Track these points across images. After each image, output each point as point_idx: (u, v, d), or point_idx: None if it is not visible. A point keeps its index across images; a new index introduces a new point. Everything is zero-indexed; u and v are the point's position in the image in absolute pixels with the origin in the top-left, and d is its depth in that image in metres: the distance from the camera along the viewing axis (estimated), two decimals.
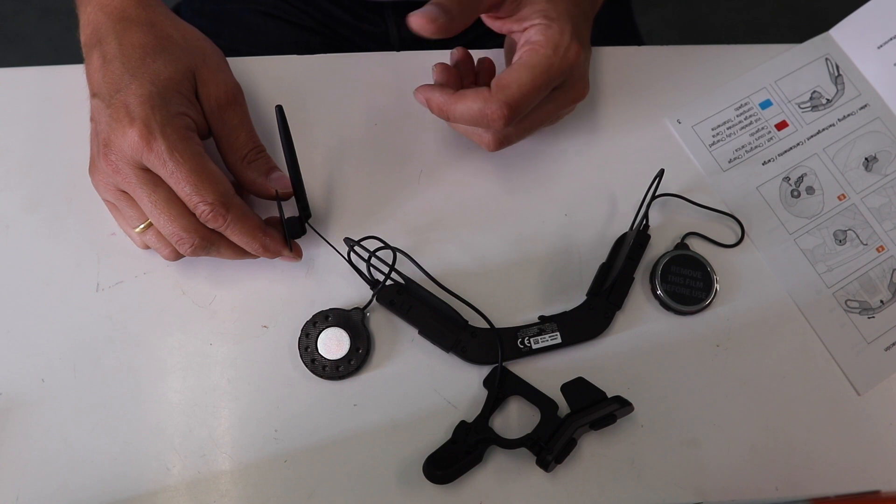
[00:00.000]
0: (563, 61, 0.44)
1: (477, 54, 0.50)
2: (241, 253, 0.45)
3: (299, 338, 0.46)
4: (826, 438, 0.47)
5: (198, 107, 0.45)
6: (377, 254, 0.46)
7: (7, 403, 0.45)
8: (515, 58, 0.45)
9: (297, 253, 0.47)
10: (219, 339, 0.47)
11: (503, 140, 0.46)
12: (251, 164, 0.47)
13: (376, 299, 0.47)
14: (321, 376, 0.46)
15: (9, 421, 0.45)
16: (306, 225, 0.47)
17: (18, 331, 0.47)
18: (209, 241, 0.44)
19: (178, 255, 0.45)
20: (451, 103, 0.45)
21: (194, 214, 0.43)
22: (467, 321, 0.47)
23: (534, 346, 0.47)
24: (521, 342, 0.47)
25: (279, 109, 0.43)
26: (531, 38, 0.44)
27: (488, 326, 0.46)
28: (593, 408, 0.44)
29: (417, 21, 0.42)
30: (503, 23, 0.46)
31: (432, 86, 0.46)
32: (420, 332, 0.47)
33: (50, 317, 0.47)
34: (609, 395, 0.45)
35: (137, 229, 0.44)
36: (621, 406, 0.44)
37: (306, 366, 0.46)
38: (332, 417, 0.46)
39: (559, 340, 0.47)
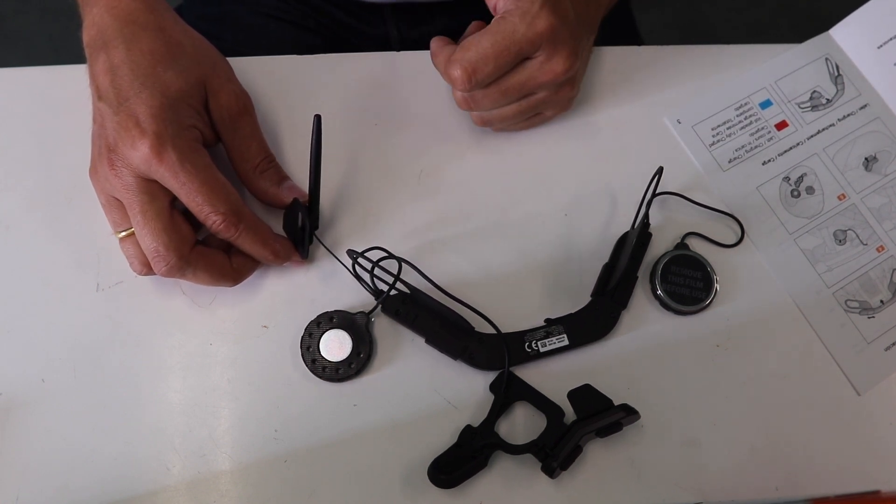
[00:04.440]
0: (529, 29, 0.43)
1: None
2: (216, 279, 0.45)
3: (302, 336, 0.46)
4: (826, 438, 0.47)
5: (206, 118, 0.45)
6: (382, 262, 0.46)
7: (7, 403, 0.45)
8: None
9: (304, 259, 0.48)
10: (219, 339, 0.47)
11: (470, 102, 0.47)
12: (263, 174, 0.47)
13: (381, 310, 0.47)
14: (320, 377, 0.46)
15: (9, 421, 0.45)
16: (313, 236, 0.48)
17: (18, 331, 0.47)
18: (186, 262, 0.43)
19: (148, 271, 0.44)
20: (433, 55, 0.48)
21: (179, 234, 0.42)
22: (473, 327, 0.47)
23: (541, 350, 0.47)
24: (528, 346, 0.47)
25: (317, 119, 0.44)
26: (504, 7, 0.45)
27: (495, 332, 0.46)
28: (600, 415, 0.44)
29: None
30: None
31: (444, 38, 0.49)
32: (427, 341, 0.47)
33: (50, 317, 0.47)
34: (609, 397, 0.45)
35: (120, 234, 0.44)
36: (628, 414, 0.44)
37: (306, 366, 0.46)
38: (333, 418, 0.46)
39: (566, 343, 0.47)
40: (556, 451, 0.43)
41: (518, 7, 0.44)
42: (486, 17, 0.47)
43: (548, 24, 0.43)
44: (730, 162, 0.53)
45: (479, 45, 0.44)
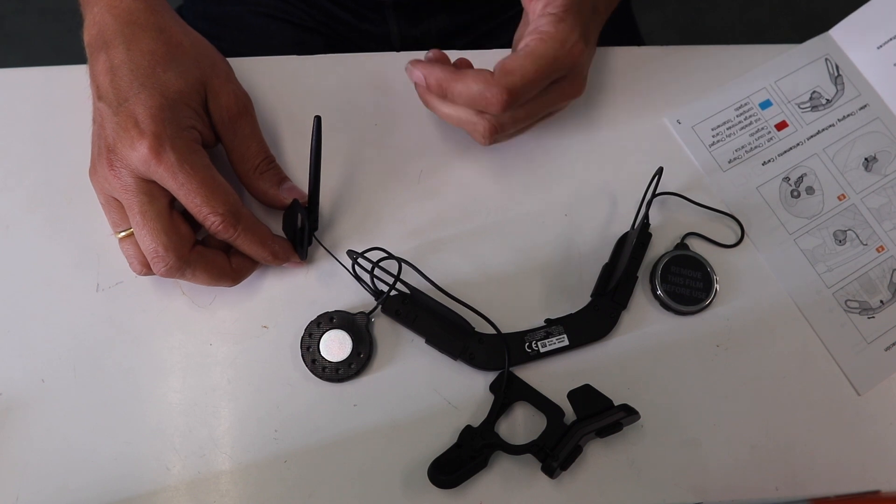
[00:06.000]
0: (567, 56, 0.44)
1: (476, 55, 0.50)
2: (215, 279, 0.45)
3: (302, 337, 0.46)
4: (826, 438, 0.47)
5: (205, 119, 0.45)
6: (381, 263, 0.46)
7: (7, 403, 0.45)
8: (522, 44, 0.44)
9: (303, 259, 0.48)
10: (219, 339, 0.47)
11: (498, 128, 0.45)
12: (263, 175, 0.47)
13: (381, 311, 0.47)
14: (320, 377, 0.46)
15: (9, 421, 0.45)
16: (313, 237, 0.48)
17: (18, 331, 0.47)
18: (185, 263, 0.43)
19: (147, 271, 0.44)
20: (452, 80, 0.44)
21: (178, 235, 0.42)
22: (473, 327, 0.47)
23: (541, 350, 0.47)
24: (528, 346, 0.47)
25: (317, 120, 0.44)
26: (541, 28, 0.44)
27: (495, 332, 0.46)
28: (600, 416, 0.44)
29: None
30: None
31: (431, 62, 0.46)
32: (427, 341, 0.47)
33: (50, 317, 0.47)
34: (610, 397, 0.45)
35: (119, 235, 0.44)
36: (628, 414, 0.44)
37: (306, 366, 0.46)
38: (333, 418, 0.46)
39: (566, 343, 0.47)
40: (556, 452, 0.43)
41: (558, 32, 0.43)
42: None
43: (580, 52, 0.44)
44: (730, 162, 0.53)
45: (524, 68, 0.43)
